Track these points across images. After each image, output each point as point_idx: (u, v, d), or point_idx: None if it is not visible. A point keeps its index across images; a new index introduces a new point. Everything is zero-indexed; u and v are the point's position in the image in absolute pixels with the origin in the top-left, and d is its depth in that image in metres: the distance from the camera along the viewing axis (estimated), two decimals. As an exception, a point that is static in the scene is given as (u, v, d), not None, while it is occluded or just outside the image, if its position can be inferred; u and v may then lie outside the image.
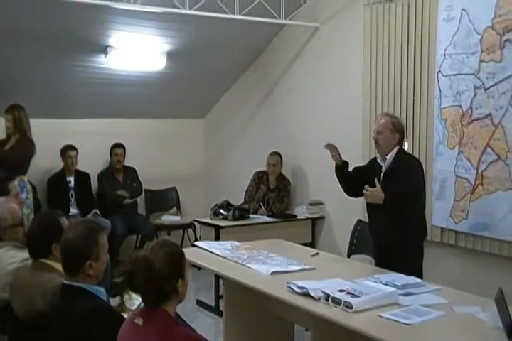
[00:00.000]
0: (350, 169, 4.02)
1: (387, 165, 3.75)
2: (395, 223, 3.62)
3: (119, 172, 6.41)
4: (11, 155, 5.21)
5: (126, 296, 2.73)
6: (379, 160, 3.82)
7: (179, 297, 1.99)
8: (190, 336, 1.91)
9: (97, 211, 4.91)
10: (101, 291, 2.29)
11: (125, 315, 2.27)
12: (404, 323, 2.49)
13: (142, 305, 2.05)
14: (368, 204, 3.82)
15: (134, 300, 2.72)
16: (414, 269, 3.50)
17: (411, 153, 4.64)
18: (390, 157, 3.74)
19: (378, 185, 3.65)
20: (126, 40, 5.56)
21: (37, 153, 5.38)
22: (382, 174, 3.76)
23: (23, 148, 5.29)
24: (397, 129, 3.76)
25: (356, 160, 4.88)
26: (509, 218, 3.87)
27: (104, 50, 5.57)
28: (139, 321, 1.94)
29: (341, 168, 3.95)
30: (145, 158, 6.66)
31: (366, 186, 3.65)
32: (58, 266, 2.43)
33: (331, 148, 3.93)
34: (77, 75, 5.78)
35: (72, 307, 2.19)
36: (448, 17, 4.30)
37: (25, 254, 2.75)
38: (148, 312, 1.96)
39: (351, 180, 3.95)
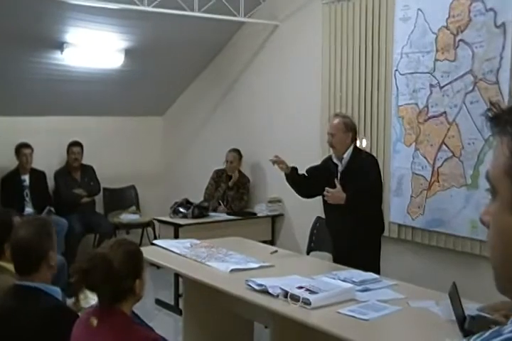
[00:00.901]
0: (303, 171, 4.00)
1: (344, 165, 3.77)
2: (353, 220, 3.66)
3: (76, 171, 6.31)
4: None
5: (81, 296, 2.69)
6: (335, 160, 3.84)
7: (136, 297, 1.97)
8: (146, 336, 1.89)
9: (52, 208, 4.81)
10: (56, 291, 2.24)
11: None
12: (361, 319, 2.52)
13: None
14: (325, 202, 3.84)
15: (90, 300, 2.68)
16: (372, 265, 3.55)
17: (369, 150, 4.71)
18: (346, 156, 3.77)
19: (339, 186, 3.65)
20: (83, 36, 5.47)
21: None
22: (339, 173, 3.78)
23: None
24: (350, 128, 3.80)
25: (314, 157, 4.92)
26: (463, 214, 3.96)
27: (60, 46, 5.46)
28: (94, 321, 1.91)
29: (292, 175, 3.93)
30: (103, 156, 6.57)
31: (327, 188, 3.64)
32: (11, 266, 2.37)
33: (277, 161, 3.92)
34: (32, 72, 5.66)
35: (26, 307, 2.15)
36: (404, 17, 4.37)
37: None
38: (104, 312, 1.93)
39: (305, 183, 3.94)
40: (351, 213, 3.63)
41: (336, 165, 3.81)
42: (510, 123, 0.71)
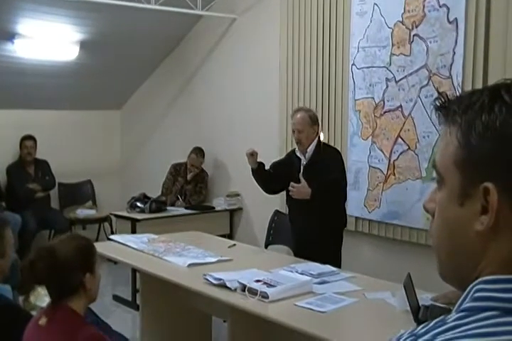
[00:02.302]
0: (267, 166, 3.97)
1: (308, 158, 3.75)
2: (317, 215, 3.65)
3: (29, 165, 6.17)
4: None
5: (34, 293, 2.64)
6: (298, 154, 3.81)
7: (87, 293, 1.92)
8: (93, 335, 1.84)
9: (2, 203, 4.69)
10: (5, 289, 2.19)
11: (34, 313, 2.17)
12: (318, 311, 2.54)
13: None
14: (289, 197, 3.83)
15: (44, 297, 2.63)
16: (334, 258, 3.55)
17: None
18: (310, 149, 3.74)
19: (303, 181, 3.63)
20: (36, 28, 5.34)
21: None
22: (302, 167, 3.76)
23: None
24: (315, 121, 3.78)
25: (273, 151, 4.93)
26: (418, 206, 4.02)
27: (11, 37, 5.32)
28: (43, 321, 1.86)
29: (258, 170, 3.89)
30: (58, 150, 6.44)
31: (292, 183, 3.62)
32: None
33: (252, 154, 3.85)
34: (-18, 63, 5.50)
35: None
36: (361, 11, 4.40)
37: None
38: (53, 310, 1.89)
39: (270, 178, 3.92)
40: (316, 208, 3.62)
41: (300, 160, 3.78)
42: (459, 114, 0.71)
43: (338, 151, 4.00)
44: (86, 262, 1.92)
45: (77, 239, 1.97)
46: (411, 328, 0.75)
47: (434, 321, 0.71)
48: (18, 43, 5.34)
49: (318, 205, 3.61)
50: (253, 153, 3.83)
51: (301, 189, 3.60)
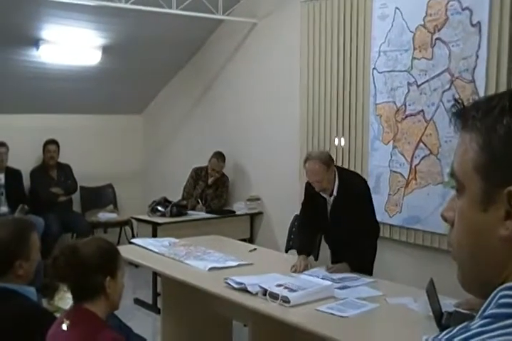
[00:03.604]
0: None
1: (334, 198, 3.48)
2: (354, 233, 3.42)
3: (52, 169, 6.24)
4: None
5: (58, 295, 2.67)
6: (322, 194, 3.52)
7: (109, 299, 1.92)
8: (113, 338, 1.85)
9: (25, 206, 4.74)
10: (31, 292, 2.21)
11: (58, 315, 2.19)
12: (340, 316, 2.53)
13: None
14: (324, 234, 3.77)
15: (67, 300, 2.66)
16: (367, 268, 3.46)
17: (347, 148, 4.72)
18: (335, 190, 3.45)
19: (339, 265, 3.40)
20: (59, 33, 5.40)
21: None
22: (330, 207, 3.51)
23: None
24: (329, 162, 3.44)
25: (294, 156, 4.93)
26: (440, 211, 3.97)
27: (36, 43, 5.39)
28: (65, 324, 1.88)
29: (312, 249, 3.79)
30: (80, 154, 6.50)
31: (329, 265, 3.42)
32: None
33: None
34: (7, 69, 5.57)
35: (0, 309, 2.11)
36: (382, 15, 4.39)
37: None
38: (74, 313, 1.91)
39: (316, 233, 3.84)
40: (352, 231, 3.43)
41: (325, 199, 3.52)
42: (479, 119, 0.71)
43: (360, 177, 3.76)
44: (108, 265, 1.93)
45: (100, 241, 2.00)
46: (434, 334, 0.75)
47: (457, 327, 0.70)
48: (42, 49, 5.42)
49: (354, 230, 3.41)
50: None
51: (340, 268, 3.36)
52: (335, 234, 3.64)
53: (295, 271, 3.33)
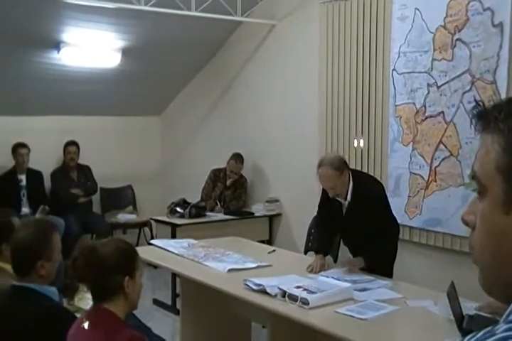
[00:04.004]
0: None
1: (348, 201, 3.44)
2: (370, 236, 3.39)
3: (72, 171, 6.30)
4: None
5: (79, 296, 2.69)
6: (336, 198, 3.47)
7: (128, 299, 1.94)
8: (133, 336, 1.86)
9: (46, 206, 4.78)
10: (52, 291, 2.23)
11: (78, 315, 2.22)
12: (359, 318, 2.52)
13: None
14: (342, 237, 3.75)
15: (87, 300, 2.67)
16: (387, 270, 3.42)
17: (366, 150, 4.71)
18: (349, 194, 3.41)
19: (353, 259, 3.44)
20: (79, 36, 5.45)
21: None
22: (345, 210, 3.48)
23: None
24: (341, 167, 3.36)
25: (312, 157, 4.92)
26: (460, 213, 3.93)
27: (56, 45, 5.45)
28: (85, 324, 1.90)
29: (328, 248, 3.69)
30: (100, 156, 6.55)
31: (344, 262, 3.40)
32: (8, 266, 2.36)
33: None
34: (29, 71, 5.64)
35: (22, 308, 2.13)
36: (402, 16, 4.37)
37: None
38: (94, 313, 1.93)
39: (333, 233, 3.77)
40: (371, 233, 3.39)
41: (340, 202, 3.48)
42: (501, 120, 0.70)
43: (374, 179, 3.72)
44: (125, 265, 1.94)
45: (118, 242, 2.02)
46: (457, 339, 0.74)
47: (482, 332, 0.69)
48: (63, 51, 5.47)
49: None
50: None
51: (356, 264, 3.33)
52: (351, 237, 3.63)
53: (311, 271, 3.33)
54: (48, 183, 6.22)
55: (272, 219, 5.76)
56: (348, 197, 3.41)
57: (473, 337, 0.70)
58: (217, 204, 5.74)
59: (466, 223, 0.77)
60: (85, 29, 5.38)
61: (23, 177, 6.00)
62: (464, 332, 2.19)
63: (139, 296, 2.02)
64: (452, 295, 2.36)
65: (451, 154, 4.05)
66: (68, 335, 1.95)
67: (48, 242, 2.24)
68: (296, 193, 5.46)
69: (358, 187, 3.40)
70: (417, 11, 4.25)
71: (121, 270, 1.92)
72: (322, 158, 3.51)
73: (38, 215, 5.24)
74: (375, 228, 3.29)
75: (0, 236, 2.50)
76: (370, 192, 3.41)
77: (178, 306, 4.17)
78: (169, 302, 5.07)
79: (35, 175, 6.08)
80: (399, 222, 4.39)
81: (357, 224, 3.39)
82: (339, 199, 3.45)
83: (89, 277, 1.92)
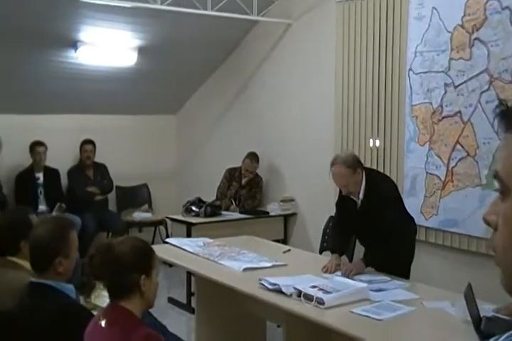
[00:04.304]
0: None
1: (361, 199, 3.43)
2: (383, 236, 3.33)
3: (89, 169, 6.34)
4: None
5: (95, 293, 2.71)
6: (351, 196, 3.47)
7: (144, 297, 1.94)
8: (149, 334, 1.87)
9: (63, 204, 4.82)
10: (70, 289, 2.25)
11: (95, 313, 2.23)
12: (375, 319, 2.51)
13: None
14: (358, 235, 3.73)
15: (104, 298, 2.69)
16: (403, 271, 3.39)
17: (382, 150, 4.69)
18: (361, 192, 3.41)
19: (353, 263, 3.38)
20: (96, 35, 5.49)
21: (5, 149, 5.27)
22: (358, 208, 3.47)
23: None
24: (355, 166, 3.35)
25: (328, 156, 4.90)
26: (477, 214, 3.92)
27: (74, 44, 5.49)
28: (102, 322, 1.91)
29: (343, 248, 3.66)
30: (116, 154, 6.59)
31: (343, 268, 3.27)
32: (26, 263, 2.39)
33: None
34: (46, 70, 5.68)
35: (40, 305, 2.15)
36: (419, 15, 4.34)
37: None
38: (111, 311, 1.94)
39: (349, 235, 3.78)
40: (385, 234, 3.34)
41: (354, 201, 3.47)
42: None
43: (389, 180, 3.66)
44: (142, 263, 1.95)
45: (134, 240, 2.03)
46: (474, 339, 0.73)
47: (505, 335, 0.69)
48: (80, 50, 5.50)
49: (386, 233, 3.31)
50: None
51: (357, 268, 3.25)
52: (365, 237, 3.62)
53: (326, 271, 3.32)
54: (64, 181, 6.27)
55: (287, 218, 5.76)
56: (361, 196, 3.40)
57: (497, 340, 0.69)
58: (232, 204, 5.75)
59: (487, 223, 0.76)
60: (102, 28, 5.41)
61: (40, 175, 6.06)
62: (482, 335, 2.18)
63: (156, 295, 2.03)
64: (469, 297, 2.35)
65: (468, 154, 4.02)
66: (85, 333, 1.96)
67: (66, 239, 2.26)
68: (311, 193, 5.45)
69: (370, 186, 3.39)
70: (434, 10, 4.22)
71: (138, 268, 1.93)
72: (336, 156, 3.51)
73: (54, 213, 5.27)
74: (386, 228, 3.26)
75: (18, 234, 2.52)
76: (381, 190, 3.40)
77: (193, 305, 4.18)
78: (184, 301, 5.09)
79: (52, 173, 6.13)
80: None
81: (370, 223, 3.38)
82: (353, 197, 3.44)
83: (105, 275, 1.93)
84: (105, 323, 1.90)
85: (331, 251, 3.57)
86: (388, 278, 3.15)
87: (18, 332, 2.17)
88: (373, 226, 3.35)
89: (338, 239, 3.68)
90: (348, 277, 3.11)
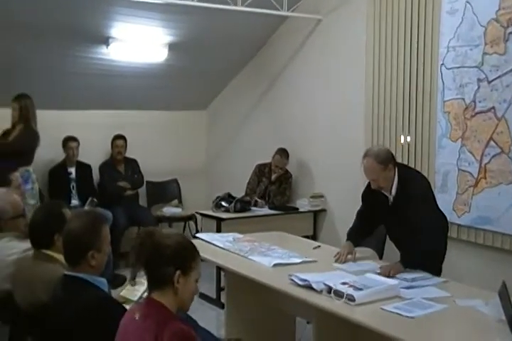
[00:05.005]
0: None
1: (394, 196, 3.39)
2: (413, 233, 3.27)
3: (120, 164, 6.41)
4: (14, 146, 5.19)
5: (128, 287, 2.74)
6: (383, 191, 3.43)
7: (177, 295, 1.95)
8: (181, 329, 1.88)
9: (94, 199, 4.87)
10: (102, 282, 2.28)
11: (127, 307, 2.26)
12: (406, 316, 2.49)
13: (145, 295, 2.04)
14: (388, 231, 3.69)
15: (135, 292, 2.72)
16: (435, 268, 3.33)
17: (413, 146, 4.64)
18: (394, 188, 3.36)
19: (391, 265, 3.25)
20: (128, 31, 5.53)
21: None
22: (390, 204, 3.42)
23: (26, 139, 5.27)
24: (386, 161, 3.30)
25: (358, 153, 4.87)
26: (511, 212, 3.86)
27: (106, 41, 5.54)
28: (137, 315, 1.93)
29: (357, 240, 3.63)
30: (147, 149, 6.65)
31: (382, 270, 3.18)
32: (60, 256, 2.43)
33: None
34: (79, 66, 5.76)
35: (73, 298, 2.18)
36: (452, 9, 4.28)
37: (26, 245, 2.75)
38: (145, 305, 1.96)
39: (368, 229, 3.72)
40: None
41: (386, 197, 3.43)
42: None
43: (420, 174, 3.60)
44: (179, 259, 1.96)
45: (181, 237, 2.05)
46: (508, 339, 0.72)
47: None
48: (111, 46, 5.56)
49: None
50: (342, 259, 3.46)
51: (395, 270, 3.16)
52: (395, 233, 3.59)
53: (337, 260, 3.37)
54: (96, 176, 6.35)
55: (317, 214, 5.75)
56: (393, 192, 3.36)
57: None
58: (261, 199, 5.75)
59: None
60: (133, 24, 5.46)
61: (72, 170, 6.15)
62: (516, 333, 2.15)
63: (192, 299, 2.02)
64: (504, 295, 2.31)
65: (503, 151, 3.95)
66: (120, 326, 1.99)
67: (99, 234, 2.29)
68: (341, 189, 5.43)
69: (402, 183, 3.34)
70: (467, 5, 4.16)
71: (174, 263, 1.94)
72: (368, 149, 3.48)
73: (86, 207, 5.34)
74: (417, 226, 3.20)
75: (53, 227, 2.57)
76: (412, 187, 3.33)
77: (223, 300, 4.19)
78: (214, 296, 5.12)
79: (84, 168, 6.22)
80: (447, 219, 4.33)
81: (401, 220, 3.34)
82: (385, 193, 3.41)
83: (141, 259, 1.95)
84: (139, 316, 1.92)
85: (346, 239, 3.59)
86: (430, 276, 3.11)
87: (51, 324, 2.21)
88: (404, 224, 3.31)
89: (355, 227, 3.69)
90: (388, 277, 3.04)
